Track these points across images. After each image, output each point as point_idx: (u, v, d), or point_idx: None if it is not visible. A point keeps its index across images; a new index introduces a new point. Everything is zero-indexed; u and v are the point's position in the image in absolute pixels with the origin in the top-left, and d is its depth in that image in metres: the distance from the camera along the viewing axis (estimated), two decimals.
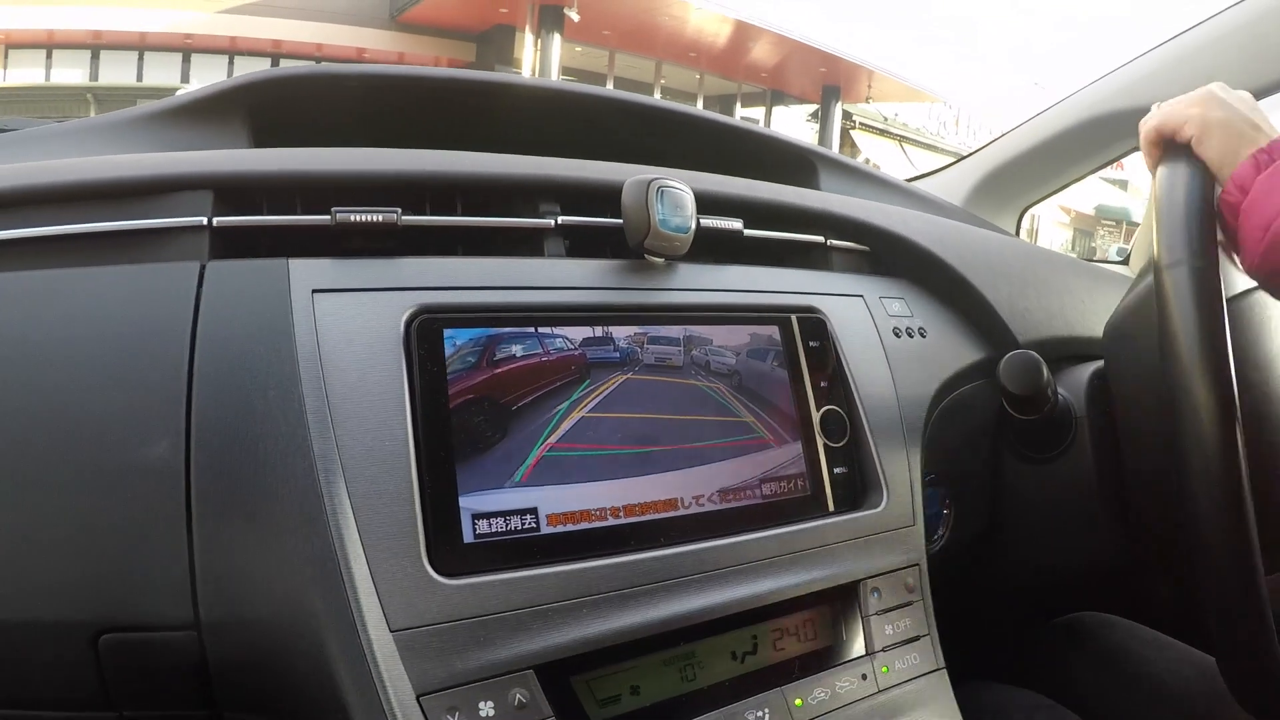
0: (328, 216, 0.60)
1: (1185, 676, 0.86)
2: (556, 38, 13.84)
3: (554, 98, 0.92)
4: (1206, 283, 0.60)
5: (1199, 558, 0.61)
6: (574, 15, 13.36)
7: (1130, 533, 0.81)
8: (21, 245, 0.58)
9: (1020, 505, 0.86)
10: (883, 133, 19.89)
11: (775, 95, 18.70)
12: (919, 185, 1.26)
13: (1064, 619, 0.99)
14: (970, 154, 1.44)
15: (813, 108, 18.71)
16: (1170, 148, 0.67)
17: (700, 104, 16.58)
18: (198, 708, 0.56)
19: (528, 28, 14.03)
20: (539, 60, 13.72)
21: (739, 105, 18.34)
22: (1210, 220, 0.62)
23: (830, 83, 17.25)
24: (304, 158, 0.65)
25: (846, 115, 18.52)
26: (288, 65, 0.87)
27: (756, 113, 18.99)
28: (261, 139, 0.77)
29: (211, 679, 0.54)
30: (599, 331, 0.63)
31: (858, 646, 0.67)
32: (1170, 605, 0.99)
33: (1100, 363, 0.86)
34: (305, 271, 0.57)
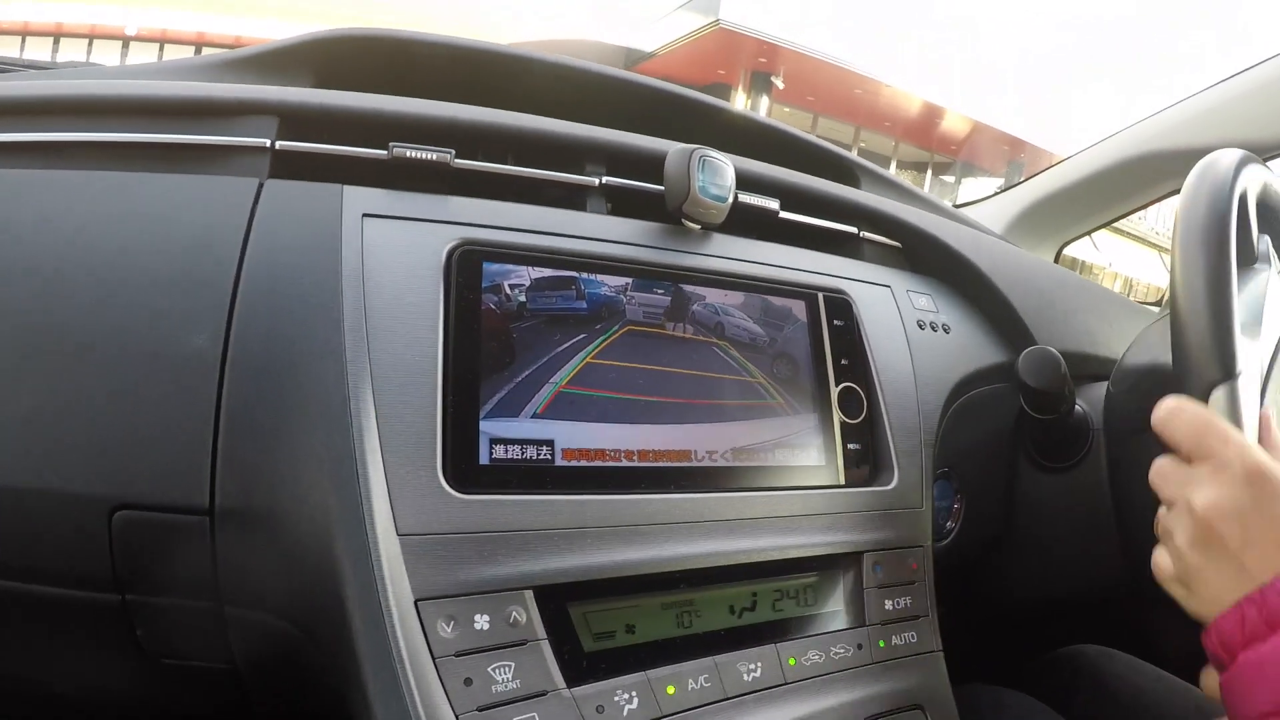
0: (384, 151, 0.63)
1: (1185, 709, 0.85)
2: (765, 99, 16.28)
3: (608, 84, 0.95)
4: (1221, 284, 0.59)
5: None
6: (779, 82, 16.01)
7: (1129, 551, 0.81)
8: (94, 149, 0.62)
9: (1033, 513, 0.86)
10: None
11: (965, 167, 20.02)
12: (961, 212, 1.28)
13: (1065, 650, 0.99)
14: (1012, 186, 1.45)
15: (1000, 181, 19.50)
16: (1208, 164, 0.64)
17: (894, 167, 18.51)
18: (201, 598, 0.57)
19: (740, 88, 16.33)
20: None
21: (930, 172, 19.47)
22: (1226, 237, 0.60)
23: (1014, 160, 18.82)
24: (368, 98, 0.68)
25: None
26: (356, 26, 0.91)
27: (948, 179, 20.27)
28: None
29: (218, 568, 0.55)
30: (631, 285, 0.65)
31: (855, 616, 0.67)
32: (1169, 637, 0.98)
33: None
34: (358, 197, 0.60)
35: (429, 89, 0.85)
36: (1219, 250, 0.59)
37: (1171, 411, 0.54)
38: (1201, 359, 0.57)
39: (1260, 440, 0.58)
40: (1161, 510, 0.56)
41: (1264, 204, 0.72)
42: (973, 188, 20.04)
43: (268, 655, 0.61)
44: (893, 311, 0.78)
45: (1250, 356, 0.62)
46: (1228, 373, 0.57)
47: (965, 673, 0.76)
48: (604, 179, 0.71)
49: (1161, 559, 0.55)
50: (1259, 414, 0.58)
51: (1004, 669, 0.96)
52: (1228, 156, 0.64)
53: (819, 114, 17.54)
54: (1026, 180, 1.46)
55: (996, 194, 1.51)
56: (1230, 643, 0.49)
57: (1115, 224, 1.46)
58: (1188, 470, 0.53)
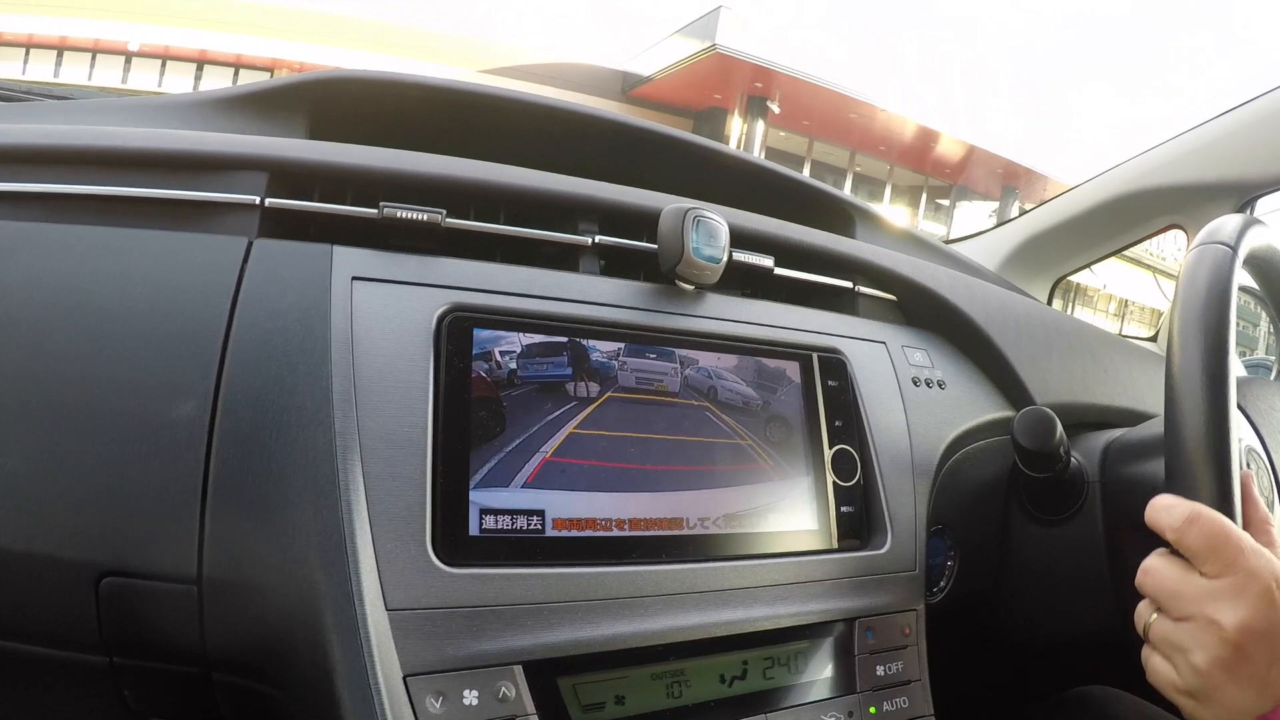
0: (375, 210, 0.62)
1: None
2: (760, 123, 16.59)
3: (603, 127, 0.94)
4: (1218, 372, 0.58)
5: None
6: (775, 107, 16.27)
7: (1126, 604, 0.80)
8: (82, 201, 0.62)
9: (1026, 565, 0.85)
10: None
11: (960, 191, 19.99)
12: (955, 248, 1.28)
13: (1071, 692, 0.98)
14: (1009, 220, 1.45)
15: (995, 205, 19.65)
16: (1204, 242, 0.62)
17: (889, 192, 18.84)
18: (188, 664, 0.57)
19: (736, 112, 16.57)
20: (745, 139, 16.38)
21: (925, 196, 19.47)
22: (1226, 312, 0.60)
23: (1009, 184, 18.84)
24: (359, 153, 0.68)
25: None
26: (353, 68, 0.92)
27: (943, 203, 20.25)
28: (318, 136, 0.79)
29: (206, 636, 0.55)
30: (624, 349, 0.64)
31: (846, 684, 0.67)
32: None
33: (1117, 431, 0.86)
34: (348, 259, 0.59)
35: (422, 129, 0.85)
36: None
37: (1188, 520, 0.53)
38: (1201, 471, 0.57)
39: (1244, 502, 0.57)
40: (1158, 619, 0.54)
41: (1266, 265, 0.72)
42: (968, 211, 20.12)
43: None
44: (888, 369, 0.77)
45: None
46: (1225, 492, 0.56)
47: (967, 714, 0.75)
48: (597, 238, 0.70)
49: (1166, 671, 0.54)
50: (1239, 475, 0.57)
51: (1009, 710, 0.95)
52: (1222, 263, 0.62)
53: (815, 138, 17.77)
54: (1023, 215, 1.46)
55: (992, 228, 1.52)
56: None
57: None
58: (1205, 584, 0.52)
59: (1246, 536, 0.52)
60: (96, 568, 0.53)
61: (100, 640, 0.56)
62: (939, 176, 19.54)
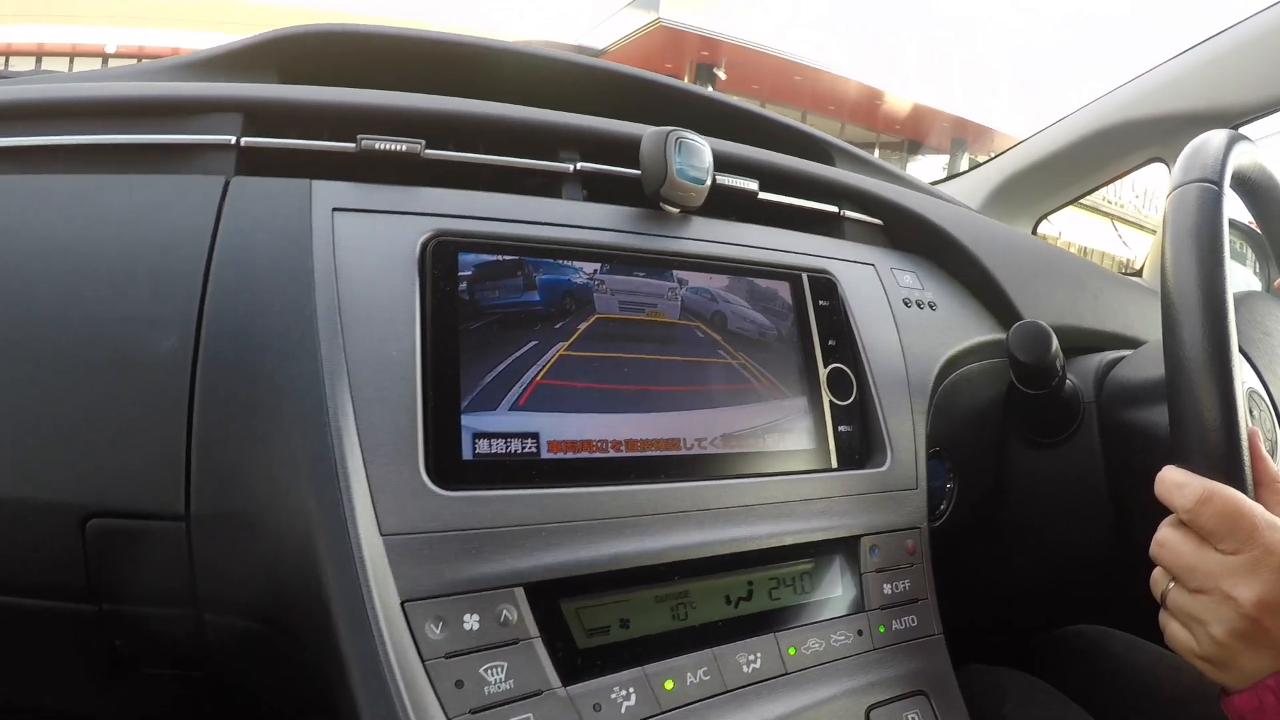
0: (353, 144, 0.61)
1: (1185, 685, 0.84)
2: (710, 89, 16.70)
3: (578, 72, 0.93)
4: (1216, 300, 0.57)
5: None
6: (721, 74, 17.02)
7: (1126, 526, 0.80)
8: (60, 151, 0.61)
9: (1025, 490, 0.85)
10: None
11: (912, 145, 20.27)
12: (938, 189, 1.27)
13: (1064, 630, 0.98)
14: (987, 160, 1.45)
15: (946, 158, 19.90)
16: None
17: None
18: (179, 605, 0.56)
19: (686, 79, 16.51)
20: None
21: (877, 152, 19.62)
22: (1220, 239, 0.58)
23: (958, 136, 19.14)
24: (334, 92, 0.67)
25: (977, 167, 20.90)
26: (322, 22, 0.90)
27: (897, 158, 20.24)
28: None
29: (196, 576, 0.54)
30: (609, 271, 0.63)
31: (854, 602, 0.66)
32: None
33: (1111, 353, 0.86)
34: (327, 191, 0.58)
35: (396, 84, 0.84)
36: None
37: (1201, 501, 0.53)
38: (1211, 443, 0.56)
39: (1252, 460, 0.57)
40: (1175, 590, 0.56)
41: (1252, 183, 0.71)
42: (922, 165, 20.40)
43: (250, 662, 0.59)
44: (878, 290, 0.77)
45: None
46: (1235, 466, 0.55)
47: (963, 653, 0.75)
48: (579, 165, 0.69)
49: (1184, 638, 0.56)
50: (1246, 431, 0.57)
51: (1003, 649, 0.95)
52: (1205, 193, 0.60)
53: (765, 101, 18.06)
54: (1000, 155, 1.46)
55: (969, 170, 1.51)
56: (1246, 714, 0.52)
57: None
58: (1221, 560, 0.53)
59: (1260, 510, 0.53)
60: (82, 509, 0.52)
61: (88, 587, 0.55)
62: (890, 132, 19.86)
